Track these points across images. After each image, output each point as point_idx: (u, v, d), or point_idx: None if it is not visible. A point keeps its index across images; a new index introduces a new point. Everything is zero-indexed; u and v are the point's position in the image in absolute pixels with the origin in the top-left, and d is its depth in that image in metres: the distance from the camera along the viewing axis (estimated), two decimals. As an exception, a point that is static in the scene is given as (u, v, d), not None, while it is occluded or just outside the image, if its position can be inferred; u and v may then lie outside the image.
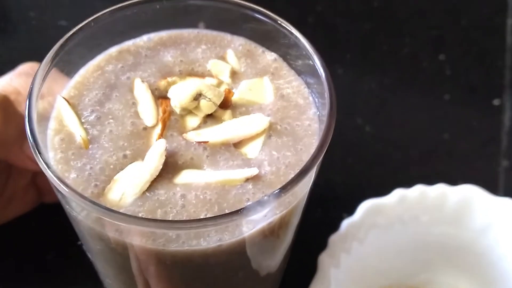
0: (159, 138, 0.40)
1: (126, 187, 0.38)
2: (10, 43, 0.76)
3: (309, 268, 0.54)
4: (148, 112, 0.42)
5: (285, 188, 0.36)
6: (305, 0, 0.80)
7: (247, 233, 0.37)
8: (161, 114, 0.42)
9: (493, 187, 0.59)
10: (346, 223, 0.56)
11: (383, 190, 0.57)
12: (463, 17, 0.80)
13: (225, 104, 0.42)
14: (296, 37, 0.43)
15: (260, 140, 0.41)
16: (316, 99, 0.43)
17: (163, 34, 0.46)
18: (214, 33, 0.47)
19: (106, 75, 0.44)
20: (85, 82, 0.43)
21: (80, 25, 0.43)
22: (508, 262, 0.56)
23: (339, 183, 0.66)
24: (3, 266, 0.58)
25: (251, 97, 0.43)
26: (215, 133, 0.41)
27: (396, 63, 0.76)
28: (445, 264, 0.58)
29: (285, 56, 0.46)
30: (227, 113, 0.42)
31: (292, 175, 0.38)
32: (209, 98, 0.41)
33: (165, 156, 0.39)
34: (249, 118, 0.42)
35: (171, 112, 0.42)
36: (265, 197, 0.36)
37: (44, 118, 0.41)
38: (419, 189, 0.57)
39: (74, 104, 0.42)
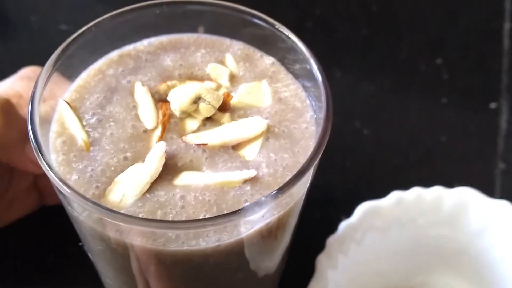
0: (159, 140, 0.41)
1: (127, 189, 0.38)
2: (11, 47, 0.76)
3: (307, 269, 0.54)
4: (148, 115, 0.42)
5: (282, 189, 0.37)
6: (305, 4, 0.81)
7: (245, 234, 0.38)
8: (161, 117, 0.42)
9: (490, 190, 0.60)
10: (343, 224, 0.56)
11: (381, 192, 0.58)
12: (461, 21, 0.80)
13: (224, 107, 0.43)
14: (293, 41, 0.44)
15: (258, 142, 0.42)
16: (313, 103, 0.44)
17: (163, 38, 0.47)
18: (213, 37, 0.47)
19: (107, 79, 0.44)
20: (87, 85, 0.44)
21: (82, 30, 0.43)
22: (504, 264, 0.57)
23: (338, 185, 0.66)
24: (4, 267, 0.59)
25: (249, 101, 0.44)
26: (214, 136, 0.41)
27: (394, 67, 0.76)
28: (442, 266, 0.59)
29: (282, 60, 0.46)
30: (226, 116, 0.43)
31: (290, 177, 0.38)
32: (208, 102, 0.42)
33: (165, 158, 0.39)
34: (247, 121, 0.42)
35: (171, 115, 0.43)
36: (263, 198, 0.36)
37: (46, 121, 0.42)
38: (415, 192, 0.57)
39: (75, 107, 0.43)
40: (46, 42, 0.74)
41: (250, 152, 0.41)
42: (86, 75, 0.44)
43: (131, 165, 0.40)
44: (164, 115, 0.42)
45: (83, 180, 0.39)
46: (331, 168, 0.66)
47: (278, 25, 0.45)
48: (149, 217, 0.38)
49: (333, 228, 0.56)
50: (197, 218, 0.37)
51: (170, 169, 0.40)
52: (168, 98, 0.43)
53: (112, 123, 0.42)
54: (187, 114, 0.42)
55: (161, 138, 0.41)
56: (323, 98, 0.41)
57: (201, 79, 0.45)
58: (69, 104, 0.42)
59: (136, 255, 0.39)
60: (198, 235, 0.37)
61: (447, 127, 0.71)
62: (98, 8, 0.77)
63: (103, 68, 0.45)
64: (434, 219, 0.57)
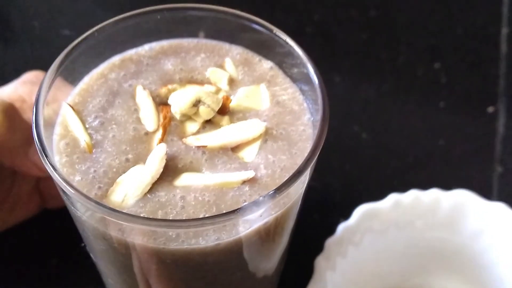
0: (160, 142, 0.42)
1: (128, 189, 0.39)
2: (14, 52, 0.77)
3: (306, 271, 0.54)
4: (149, 118, 0.43)
5: (279, 189, 0.37)
6: (303, 10, 0.81)
7: (244, 233, 0.39)
8: (161, 120, 0.43)
9: (487, 193, 0.60)
10: (342, 227, 0.56)
11: (379, 195, 0.58)
12: (458, 26, 0.80)
13: (223, 110, 0.44)
14: (291, 46, 0.45)
15: (257, 144, 0.42)
16: (310, 105, 0.45)
17: (164, 43, 0.47)
18: (213, 42, 0.48)
19: (109, 83, 0.45)
20: (89, 89, 0.45)
21: (85, 35, 0.44)
22: (501, 266, 0.57)
23: (336, 188, 0.66)
24: (6, 271, 0.59)
25: (248, 104, 0.44)
26: (213, 138, 0.42)
27: (393, 71, 0.76)
28: (439, 268, 0.59)
29: (281, 65, 0.47)
30: (225, 119, 0.43)
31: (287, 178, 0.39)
32: (208, 105, 0.42)
33: (166, 159, 0.40)
34: (246, 123, 0.43)
35: (172, 118, 0.43)
36: (261, 198, 0.37)
37: (50, 124, 0.43)
38: (413, 194, 0.58)
39: (78, 111, 0.43)
40: (48, 47, 0.75)
41: (248, 154, 0.42)
42: (88, 79, 0.45)
43: (132, 167, 0.41)
44: (164, 118, 0.43)
45: (86, 181, 0.40)
46: (330, 171, 0.67)
47: (276, 30, 0.45)
48: (150, 217, 0.38)
49: (331, 230, 0.56)
50: (197, 217, 0.38)
51: (170, 170, 0.41)
52: (169, 102, 0.44)
53: (114, 126, 0.43)
54: (187, 117, 0.43)
55: (162, 140, 0.42)
56: (320, 101, 0.42)
57: (201, 83, 0.46)
58: (72, 107, 0.43)
59: (137, 254, 0.40)
60: (198, 234, 0.38)
61: (445, 131, 0.71)
62: (100, 14, 0.78)
63: (105, 72, 0.46)
64: (432, 221, 0.58)
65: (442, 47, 0.79)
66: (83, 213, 0.39)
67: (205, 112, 0.43)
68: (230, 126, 0.43)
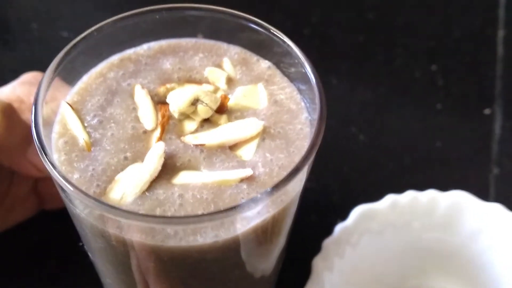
0: (158, 141, 0.42)
1: (127, 187, 0.39)
2: (13, 54, 0.77)
3: (304, 271, 0.55)
4: (147, 116, 0.43)
5: (277, 187, 0.38)
6: (301, 13, 0.82)
7: (242, 230, 0.39)
8: (160, 118, 0.43)
9: (484, 194, 0.60)
10: (339, 227, 0.57)
11: (376, 196, 0.58)
12: (455, 28, 0.81)
13: (221, 109, 0.44)
14: (288, 45, 0.45)
15: (255, 143, 0.42)
16: (308, 105, 0.45)
17: (163, 43, 0.48)
18: (211, 42, 0.48)
19: (108, 82, 0.45)
20: (88, 88, 0.45)
21: (84, 34, 0.44)
22: (498, 267, 0.57)
23: (334, 190, 0.67)
24: (4, 271, 0.59)
25: (246, 103, 0.45)
26: (211, 137, 0.42)
27: (390, 74, 0.77)
28: (436, 269, 0.59)
29: (278, 64, 0.47)
30: (223, 118, 0.44)
31: (285, 176, 0.39)
32: (206, 103, 0.42)
33: (164, 158, 0.40)
34: (244, 122, 0.43)
35: (170, 117, 0.43)
36: (259, 195, 0.37)
37: (49, 122, 0.43)
38: (410, 195, 0.58)
39: (77, 109, 0.44)
40: (47, 49, 0.75)
41: (246, 152, 0.42)
42: (87, 78, 0.45)
43: (131, 165, 0.41)
44: (163, 117, 0.43)
45: (85, 179, 0.40)
46: (327, 173, 0.67)
47: (273, 29, 0.46)
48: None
49: (329, 231, 0.57)
50: (195, 214, 0.38)
51: (169, 168, 0.41)
52: (167, 100, 0.44)
53: (112, 124, 0.43)
54: (185, 116, 0.43)
55: (160, 138, 0.42)
56: (317, 100, 0.42)
57: (199, 82, 0.46)
58: (71, 106, 0.43)
59: (136, 252, 0.40)
60: (196, 231, 0.38)
61: (442, 133, 0.71)
62: (98, 16, 0.78)
63: (104, 71, 0.46)
64: (429, 222, 0.58)
65: (439, 50, 0.79)
66: (82, 210, 0.39)
67: (203, 111, 0.43)
68: (228, 125, 0.43)
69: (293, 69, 0.46)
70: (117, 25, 0.46)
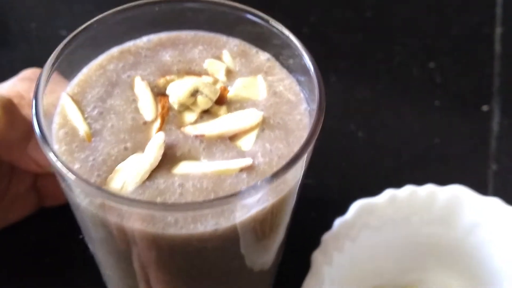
0: (158, 131, 0.42)
1: (127, 177, 0.39)
2: (11, 53, 0.77)
3: (303, 265, 0.55)
4: (147, 107, 0.43)
5: (277, 174, 0.38)
6: (300, 12, 0.82)
7: (242, 218, 0.39)
8: (160, 109, 0.43)
9: (483, 190, 0.60)
10: (338, 222, 0.57)
11: (375, 192, 0.58)
12: (453, 26, 0.81)
13: (221, 100, 0.44)
14: (287, 37, 0.45)
15: (254, 133, 0.42)
16: (307, 95, 0.45)
17: (162, 35, 0.48)
18: (211, 34, 0.48)
19: (108, 74, 0.45)
20: (88, 80, 0.45)
21: (84, 26, 0.45)
22: (496, 260, 0.57)
23: (333, 186, 0.67)
24: (2, 269, 0.59)
25: (245, 94, 0.45)
26: (211, 127, 0.42)
27: (388, 71, 0.77)
28: (435, 263, 0.59)
29: (277, 56, 0.47)
30: (223, 109, 0.44)
31: (284, 165, 0.39)
32: (206, 94, 0.43)
33: (164, 148, 0.40)
34: (243, 113, 0.43)
35: (170, 108, 0.43)
36: (259, 182, 0.37)
37: (49, 114, 0.43)
38: (409, 189, 0.58)
39: (77, 101, 0.44)
40: (46, 48, 0.74)
41: (246, 143, 0.42)
42: (87, 70, 0.46)
43: (131, 155, 0.41)
44: (163, 108, 0.43)
45: (85, 169, 0.40)
46: (326, 170, 0.67)
47: (273, 21, 0.46)
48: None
49: (328, 227, 0.57)
50: (196, 201, 0.38)
51: (169, 158, 0.41)
52: (167, 92, 0.44)
53: (113, 115, 0.43)
54: (185, 107, 0.43)
55: (160, 129, 0.42)
56: (316, 90, 0.42)
57: (198, 74, 0.46)
58: (71, 97, 0.44)
59: (136, 241, 0.40)
60: (196, 219, 0.38)
61: (440, 130, 0.72)
62: (97, 15, 0.78)
63: (104, 63, 0.46)
64: (427, 216, 0.58)
65: (437, 47, 0.79)
66: (83, 200, 0.40)
67: (203, 102, 0.43)
68: (228, 116, 0.43)
69: (292, 61, 0.46)
70: (117, 17, 0.46)
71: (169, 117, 0.43)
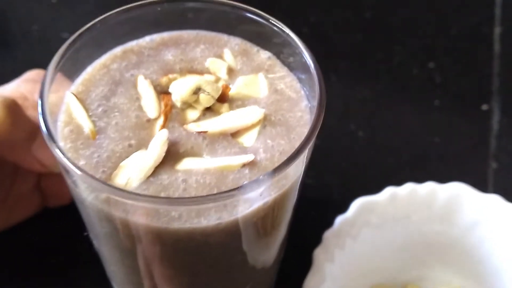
0: (162, 129, 0.43)
1: (132, 173, 0.40)
2: (13, 56, 0.77)
3: (305, 262, 0.55)
4: (151, 105, 0.44)
5: (279, 169, 0.38)
6: (300, 12, 0.82)
7: (244, 212, 0.40)
8: (163, 107, 0.44)
9: (483, 189, 0.60)
10: (339, 219, 0.57)
11: (376, 191, 0.59)
12: (453, 26, 0.82)
13: (223, 98, 0.45)
14: (288, 35, 0.46)
15: (256, 130, 0.43)
16: (308, 93, 0.46)
17: (165, 35, 0.48)
18: (212, 33, 0.49)
19: (112, 73, 0.46)
20: (92, 79, 0.46)
21: (87, 26, 0.45)
22: (496, 257, 0.58)
23: (334, 186, 0.67)
24: (6, 270, 0.60)
25: (247, 92, 0.45)
26: (213, 124, 0.43)
27: (388, 71, 0.77)
28: (436, 260, 0.60)
29: (278, 55, 0.48)
30: (225, 106, 0.44)
31: (286, 161, 0.40)
32: (208, 92, 0.43)
33: (167, 145, 0.41)
34: (245, 110, 0.44)
35: (172, 106, 0.44)
36: (261, 177, 0.38)
37: (54, 112, 0.43)
38: (409, 187, 0.58)
39: (82, 99, 0.44)
40: (47, 51, 0.75)
41: (248, 139, 0.43)
42: (91, 69, 0.46)
43: (135, 152, 0.42)
44: (166, 106, 0.44)
45: (90, 165, 0.41)
46: (327, 169, 0.68)
47: (273, 20, 0.46)
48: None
49: (329, 225, 0.57)
50: (199, 195, 0.39)
51: (172, 155, 0.41)
52: (170, 90, 0.44)
53: (117, 113, 0.44)
54: (187, 105, 0.44)
55: (163, 126, 0.43)
56: (316, 86, 0.43)
57: (200, 72, 0.47)
58: (76, 96, 0.44)
59: (140, 235, 0.41)
60: (200, 213, 0.39)
61: (440, 129, 0.72)
62: (98, 16, 0.79)
63: (108, 62, 0.47)
64: (428, 214, 0.58)
65: (437, 47, 0.80)
66: (88, 195, 0.40)
67: (205, 100, 0.43)
68: (230, 113, 0.44)
69: (292, 59, 0.47)
70: (120, 17, 0.46)
71: (172, 114, 0.44)
